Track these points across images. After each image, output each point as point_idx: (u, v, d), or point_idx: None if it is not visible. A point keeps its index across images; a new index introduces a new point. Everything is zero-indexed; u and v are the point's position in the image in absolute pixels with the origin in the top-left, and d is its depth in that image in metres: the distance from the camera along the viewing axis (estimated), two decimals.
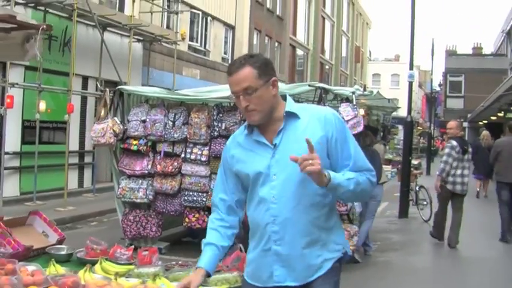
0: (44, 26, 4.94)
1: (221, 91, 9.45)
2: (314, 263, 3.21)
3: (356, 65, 62.76)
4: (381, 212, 15.27)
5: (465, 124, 52.03)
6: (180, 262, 4.54)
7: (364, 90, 10.17)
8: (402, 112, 21.97)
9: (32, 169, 15.52)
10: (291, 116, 3.23)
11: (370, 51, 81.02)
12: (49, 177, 16.65)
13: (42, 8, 15.75)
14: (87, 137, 18.84)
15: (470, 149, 11.82)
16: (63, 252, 4.75)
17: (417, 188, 15.69)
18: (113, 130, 9.50)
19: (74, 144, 17.66)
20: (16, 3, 14.39)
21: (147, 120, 9.70)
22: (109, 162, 20.02)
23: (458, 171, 11.32)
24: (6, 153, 15.14)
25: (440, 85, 71.60)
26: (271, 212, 3.18)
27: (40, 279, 3.73)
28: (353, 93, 9.27)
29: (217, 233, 3.41)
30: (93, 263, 4.26)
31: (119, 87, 10.53)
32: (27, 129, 16.07)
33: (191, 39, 26.03)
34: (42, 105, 15.41)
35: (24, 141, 16.05)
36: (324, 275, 3.22)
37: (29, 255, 4.59)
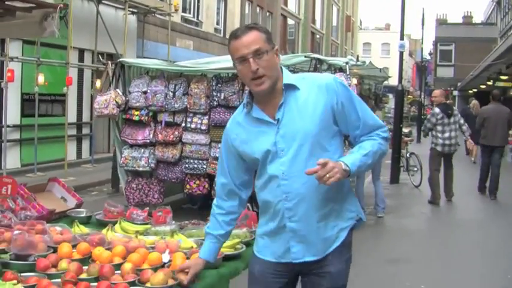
0: (62, 5, 5.28)
1: (219, 62, 9.80)
2: (330, 235, 3.20)
3: (347, 34, 62.90)
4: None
5: (455, 93, 52.53)
6: (192, 221, 4.88)
7: (357, 60, 10.65)
8: (393, 81, 22.34)
9: (32, 141, 15.83)
10: (290, 87, 3.16)
11: (360, 20, 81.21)
12: (48, 148, 17.00)
13: None
14: (85, 109, 19.19)
15: (456, 113, 13.06)
16: (82, 215, 5.13)
17: (408, 155, 16.19)
18: (116, 101, 9.84)
19: (71, 116, 17.92)
20: None
21: (148, 91, 10.04)
22: (106, 133, 20.55)
23: (446, 134, 12.73)
24: (7, 126, 15.45)
25: (430, 54, 71.92)
26: (283, 189, 3.14)
27: (69, 237, 4.10)
28: (346, 63, 9.72)
29: (215, 221, 3.44)
30: (112, 224, 4.64)
31: (120, 59, 10.85)
32: (27, 102, 16.38)
33: (184, 10, 26.23)
34: (41, 79, 15.69)
35: (23, 114, 16.36)
36: (339, 247, 3.21)
37: (51, 218, 4.94)
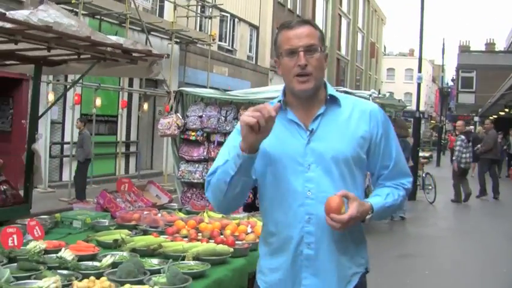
0: (166, 55, 7.27)
1: (266, 93, 11.70)
2: (346, 274, 2.88)
3: (371, 60, 64.61)
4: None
5: (476, 118, 53.90)
6: (254, 213, 6.65)
7: (379, 93, 12.54)
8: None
9: None
10: (333, 101, 2.90)
11: (385, 46, 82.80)
12: (101, 164, 19.04)
13: (98, 17, 18.14)
14: (133, 129, 21.26)
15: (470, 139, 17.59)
16: (174, 207, 7.06)
17: (424, 175, 18.08)
18: (177, 124, 11.79)
19: (121, 135, 20.01)
20: (75, 13, 16.80)
21: (203, 115, 11.94)
22: (149, 151, 22.63)
23: (468, 155, 17.32)
24: (67, 143, 17.48)
25: (453, 80, 73.32)
26: (307, 209, 2.79)
27: (177, 218, 6.01)
28: (370, 95, 11.62)
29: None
30: (198, 213, 6.51)
31: (180, 88, 12.80)
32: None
33: (220, 39, 28.33)
34: (98, 102, 17.76)
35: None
36: None
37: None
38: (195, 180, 12.08)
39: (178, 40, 22.67)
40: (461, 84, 59.17)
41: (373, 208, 2.79)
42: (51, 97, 16.51)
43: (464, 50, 63.41)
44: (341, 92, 10.85)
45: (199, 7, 25.09)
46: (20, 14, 5.42)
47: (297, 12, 38.45)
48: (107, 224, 5.78)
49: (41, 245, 4.50)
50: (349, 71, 54.25)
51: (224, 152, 2.89)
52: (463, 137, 17.45)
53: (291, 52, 2.79)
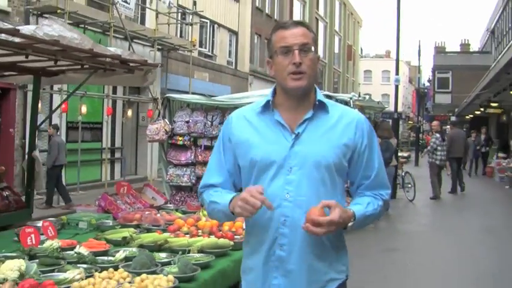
0: (161, 64, 7.66)
1: (250, 97, 12.11)
2: (319, 280, 2.88)
3: (348, 62, 65.32)
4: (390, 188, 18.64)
5: (453, 118, 54.76)
6: None
7: (359, 96, 13.08)
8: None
9: (75, 163, 18.17)
10: (321, 107, 2.92)
11: (361, 49, 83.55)
12: (86, 170, 19.36)
13: (83, 26, 18.50)
14: (117, 135, 21.62)
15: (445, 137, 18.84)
16: (171, 208, 7.48)
17: (403, 174, 18.63)
18: (165, 129, 12.19)
19: (105, 141, 20.39)
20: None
21: (190, 121, 12.34)
22: (133, 157, 22.99)
23: (442, 153, 18.58)
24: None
25: (429, 81, 74.21)
26: (283, 211, 2.81)
27: (175, 217, 6.41)
28: (351, 98, 12.12)
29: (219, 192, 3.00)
30: (195, 213, 6.93)
31: (167, 95, 13.21)
32: (71, 129, 18.81)
33: (200, 45, 28.73)
34: (84, 109, 18.11)
35: (67, 140, 18.66)
36: None
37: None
38: (184, 184, 12.48)
39: (160, 47, 23.05)
40: (437, 84, 59.97)
41: (355, 215, 2.79)
42: (39, 105, 16.85)
43: (439, 51, 64.25)
44: (324, 96, 11.53)
45: (179, 14, 25.49)
46: (27, 29, 5.80)
47: (275, 17, 38.98)
48: (111, 224, 6.19)
49: (56, 243, 4.90)
50: (327, 74, 54.84)
51: (212, 165, 3.07)
52: (437, 135, 18.78)
53: (285, 50, 2.82)
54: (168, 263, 4.42)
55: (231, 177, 3.03)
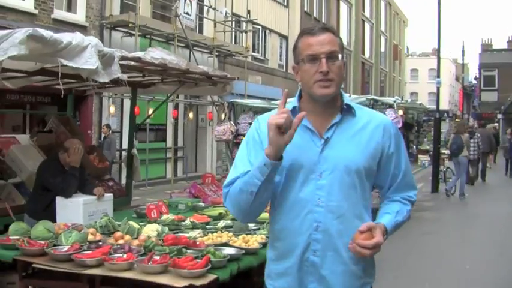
0: (238, 77, 9.45)
1: None
2: (355, 285, 2.87)
3: (394, 62, 65.94)
4: (419, 189, 20.15)
5: (499, 116, 55.22)
6: None
7: (402, 99, 14.65)
8: (441, 105, 26.40)
9: (144, 162, 20.02)
10: (348, 110, 2.89)
11: (407, 48, 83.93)
12: (153, 168, 21.30)
13: (149, 37, 20.40)
14: (180, 136, 23.51)
15: (477, 135, 21.03)
16: None
17: (445, 169, 20.18)
18: (231, 130, 13.94)
19: (169, 141, 22.36)
20: (131, 34, 19.06)
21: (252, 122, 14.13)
22: (193, 156, 24.87)
23: (473, 149, 20.38)
24: (124, 149, 19.69)
25: (476, 78, 74.52)
26: (316, 217, 2.78)
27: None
28: (394, 101, 13.71)
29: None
30: None
31: (232, 100, 15.03)
32: (139, 131, 20.71)
33: (253, 50, 30.47)
34: (151, 112, 19.91)
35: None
36: None
37: None
38: None
39: (217, 53, 24.83)
40: (483, 82, 60.49)
41: (387, 230, 2.81)
42: (112, 109, 18.83)
43: (486, 48, 64.66)
44: (371, 99, 13.10)
45: (234, 22, 27.27)
46: (139, 54, 7.52)
47: (323, 20, 40.45)
48: (203, 205, 7.89)
49: (171, 216, 6.64)
50: (373, 74, 56.02)
51: (239, 164, 2.86)
52: (467, 134, 20.19)
53: (312, 58, 2.77)
54: (257, 229, 6.10)
55: None
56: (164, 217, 6.64)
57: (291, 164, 2.79)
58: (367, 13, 53.83)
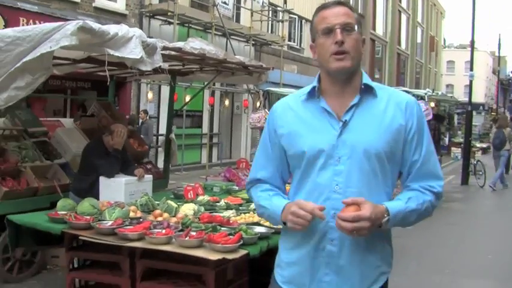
0: (273, 67, 9.86)
1: None
2: (371, 274, 2.73)
3: (431, 53, 65.57)
4: (448, 181, 20.34)
5: None
6: None
7: (433, 92, 14.97)
8: (477, 98, 26.54)
9: (180, 147, 20.55)
10: (368, 91, 2.72)
11: (444, 39, 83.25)
12: (189, 153, 21.85)
13: (187, 25, 20.88)
14: (215, 122, 24.02)
15: None
16: None
17: (475, 162, 20.38)
18: (265, 118, 14.34)
19: (205, 128, 22.86)
20: (169, 23, 19.56)
21: None
22: (228, 142, 25.38)
23: None
24: (161, 135, 20.24)
25: None
26: (333, 204, 2.61)
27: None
28: (425, 93, 14.01)
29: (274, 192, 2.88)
30: None
31: (267, 88, 15.43)
32: (176, 117, 21.25)
33: (289, 39, 30.81)
34: (188, 99, 20.42)
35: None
36: None
37: None
38: None
39: (253, 42, 25.24)
40: None
41: (388, 211, 2.57)
42: (150, 95, 19.39)
43: None
44: (402, 91, 13.53)
45: (271, 12, 27.63)
46: (179, 44, 7.94)
47: (359, 11, 40.47)
48: (237, 189, 8.32)
49: (206, 197, 7.08)
50: (409, 65, 55.78)
51: (259, 158, 2.94)
52: (509, 129, 20.49)
53: (327, 31, 2.64)
54: None
55: (278, 170, 2.87)
56: (200, 198, 7.07)
57: (309, 149, 2.69)
58: (403, 4, 53.67)
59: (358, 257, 2.67)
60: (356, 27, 2.67)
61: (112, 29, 6.23)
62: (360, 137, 2.65)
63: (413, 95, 14.49)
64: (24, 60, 6.23)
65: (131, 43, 6.29)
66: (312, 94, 2.75)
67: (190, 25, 21.07)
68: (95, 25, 6.05)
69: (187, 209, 6.16)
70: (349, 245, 2.65)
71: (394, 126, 2.67)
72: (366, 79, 2.75)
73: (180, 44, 7.94)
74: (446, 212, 14.25)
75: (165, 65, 6.98)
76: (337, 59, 2.63)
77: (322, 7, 2.73)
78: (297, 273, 2.77)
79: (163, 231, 5.31)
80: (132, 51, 6.24)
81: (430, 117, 13.70)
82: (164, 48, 7.11)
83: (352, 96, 2.71)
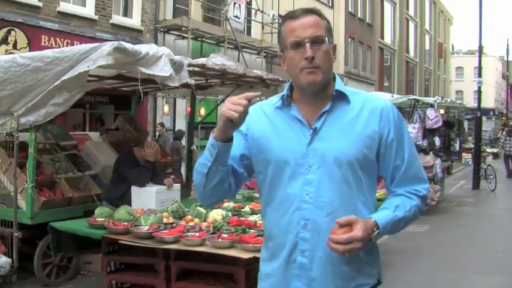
0: (288, 80, 10.24)
1: None
2: (346, 286, 2.62)
3: (439, 60, 65.93)
4: (460, 186, 20.89)
5: None
6: None
7: (442, 99, 15.43)
8: (487, 103, 27.12)
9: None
10: (340, 97, 2.62)
11: (452, 46, 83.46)
12: None
13: (200, 39, 21.43)
14: None
15: None
16: None
17: (486, 167, 20.83)
18: None
19: None
20: (183, 37, 20.12)
21: None
22: None
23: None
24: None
25: None
26: (303, 214, 2.56)
27: None
28: (435, 101, 14.46)
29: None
30: None
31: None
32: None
33: None
34: (202, 111, 20.97)
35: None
36: None
37: None
38: None
39: (264, 54, 25.76)
40: None
41: (377, 224, 2.50)
42: (166, 108, 19.94)
43: None
44: (412, 99, 13.85)
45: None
46: (202, 61, 8.46)
47: (367, 20, 41.08)
48: (258, 195, 8.77)
49: (232, 204, 7.57)
50: (418, 73, 56.16)
51: None
52: (504, 132, 21.84)
53: (296, 45, 2.54)
54: None
55: (234, 161, 2.67)
56: (225, 205, 7.56)
57: (279, 157, 2.61)
58: (411, 12, 54.07)
59: (331, 268, 2.58)
60: (326, 39, 2.57)
61: (143, 48, 6.76)
62: (331, 144, 2.57)
63: (424, 103, 15.00)
64: (63, 78, 6.80)
65: (161, 61, 6.81)
66: (282, 100, 2.68)
67: (203, 39, 21.57)
68: (128, 45, 6.58)
69: (216, 215, 6.65)
70: (321, 256, 2.56)
71: (366, 132, 2.60)
72: (339, 85, 2.65)
73: (203, 61, 8.47)
74: (458, 215, 14.68)
75: (192, 81, 7.50)
76: (308, 73, 2.53)
77: (290, 16, 2.62)
78: (273, 286, 2.71)
79: (197, 234, 5.80)
80: (162, 69, 6.76)
81: (440, 124, 14.13)
82: (189, 65, 7.62)
83: (324, 103, 2.62)
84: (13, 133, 7.73)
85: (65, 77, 6.79)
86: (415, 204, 2.66)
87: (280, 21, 20.94)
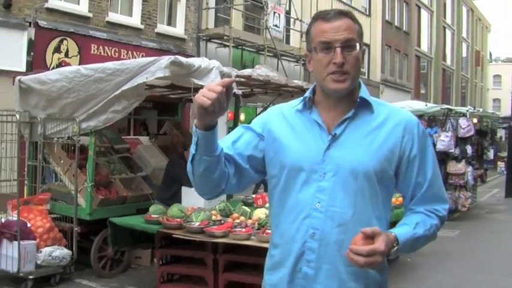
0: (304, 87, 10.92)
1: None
2: None
3: (476, 68, 65.82)
4: (493, 194, 21.32)
5: None
6: None
7: (474, 108, 15.92)
8: None
9: None
10: (364, 105, 2.51)
11: (490, 53, 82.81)
12: None
13: (241, 48, 22.16)
14: None
15: None
16: None
17: None
18: None
19: None
20: (225, 45, 20.86)
21: None
22: None
23: None
24: None
25: None
26: (313, 223, 2.44)
27: None
28: (467, 111, 14.96)
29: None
30: None
31: None
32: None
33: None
34: (242, 117, 21.68)
35: None
36: None
37: None
38: None
39: (303, 62, 26.38)
40: None
41: (397, 239, 2.36)
42: None
43: None
44: (446, 108, 14.38)
45: None
46: (247, 72, 9.12)
47: (404, 29, 41.39)
48: None
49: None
50: (454, 81, 56.23)
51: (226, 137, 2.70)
52: None
53: (326, 47, 2.42)
54: None
55: (238, 150, 2.58)
56: (267, 205, 8.19)
57: (294, 161, 2.50)
58: (448, 20, 54.20)
59: (337, 283, 2.45)
60: (357, 44, 2.45)
61: (196, 62, 7.47)
62: (349, 153, 2.45)
63: (456, 112, 15.49)
64: (123, 88, 7.55)
65: (212, 73, 7.50)
66: (304, 103, 2.58)
67: (244, 47, 22.29)
68: (183, 59, 7.31)
69: (260, 213, 7.31)
70: (328, 268, 2.44)
71: (388, 145, 2.48)
72: (364, 93, 2.54)
73: (248, 71, 9.13)
74: (489, 221, 15.13)
75: (239, 91, 8.18)
76: (336, 80, 2.42)
77: (322, 17, 2.50)
78: None
79: (244, 229, 6.48)
80: (214, 81, 7.43)
81: (472, 132, 14.57)
82: (236, 76, 8.30)
83: (347, 109, 2.50)
84: (74, 137, 8.51)
85: (125, 87, 7.54)
86: (434, 224, 2.55)
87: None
